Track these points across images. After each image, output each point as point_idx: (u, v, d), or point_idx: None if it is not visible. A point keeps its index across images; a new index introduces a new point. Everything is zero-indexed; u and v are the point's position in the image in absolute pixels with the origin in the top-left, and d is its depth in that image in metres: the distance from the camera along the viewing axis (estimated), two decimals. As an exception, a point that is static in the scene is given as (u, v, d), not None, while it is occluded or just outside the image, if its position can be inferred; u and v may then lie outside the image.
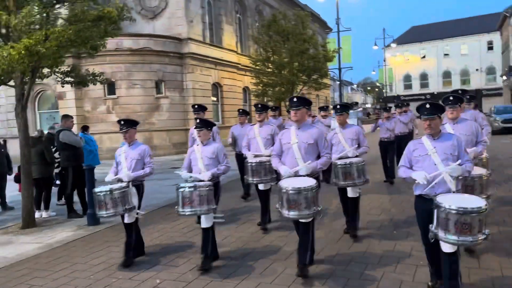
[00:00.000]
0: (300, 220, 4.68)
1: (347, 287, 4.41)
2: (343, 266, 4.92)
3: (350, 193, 5.99)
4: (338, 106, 6.26)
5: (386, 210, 7.57)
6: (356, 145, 6.09)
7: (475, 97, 7.23)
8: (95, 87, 17.42)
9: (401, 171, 4.17)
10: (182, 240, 6.49)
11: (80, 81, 9.17)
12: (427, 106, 3.96)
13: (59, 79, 8.95)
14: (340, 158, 5.86)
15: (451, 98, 5.21)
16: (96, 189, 5.37)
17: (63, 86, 10.10)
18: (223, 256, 5.49)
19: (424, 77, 66.72)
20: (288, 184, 4.50)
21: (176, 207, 4.99)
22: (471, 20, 64.92)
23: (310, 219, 4.67)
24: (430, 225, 3.74)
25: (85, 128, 11.50)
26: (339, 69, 28.31)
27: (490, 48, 61.47)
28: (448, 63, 64.37)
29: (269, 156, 6.18)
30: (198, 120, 5.44)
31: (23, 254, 6.21)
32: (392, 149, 10.50)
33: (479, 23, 62.17)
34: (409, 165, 4.14)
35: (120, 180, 5.50)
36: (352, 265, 4.96)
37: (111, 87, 21.16)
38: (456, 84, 63.39)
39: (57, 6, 7.36)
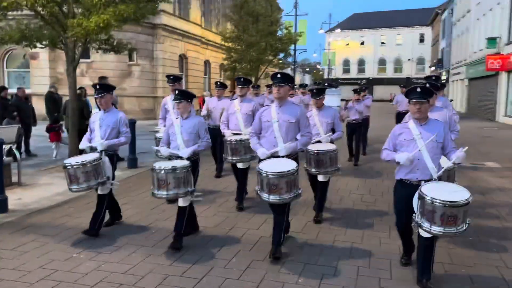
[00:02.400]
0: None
1: (323, 285, 4.02)
2: (314, 258, 4.60)
3: (321, 177, 5.90)
4: (314, 90, 6.15)
5: (353, 194, 7.43)
6: (331, 129, 6.08)
7: (444, 85, 7.23)
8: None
9: (384, 154, 4.12)
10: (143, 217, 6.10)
11: (112, 49, 10.57)
12: (418, 90, 3.90)
13: (95, 46, 10.32)
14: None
15: (427, 85, 4.84)
16: (66, 162, 5.06)
17: (97, 52, 11.39)
18: (188, 241, 5.02)
19: (361, 62, 71.10)
20: (268, 167, 4.34)
21: (151, 187, 4.68)
22: (407, 13, 69.94)
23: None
24: (414, 215, 3.74)
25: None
26: (294, 50, 30.64)
27: (422, 40, 66.87)
28: (384, 51, 69.08)
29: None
30: (177, 91, 5.05)
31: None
32: (359, 131, 10.72)
33: (414, 16, 67.22)
34: (392, 148, 4.10)
35: (93, 149, 5.25)
36: (323, 257, 4.63)
37: (85, 51, 21.82)
38: (390, 72, 68.69)
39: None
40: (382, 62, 69.86)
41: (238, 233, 5.39)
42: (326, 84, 21.83)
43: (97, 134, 5.25)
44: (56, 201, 6.84)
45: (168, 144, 5.11)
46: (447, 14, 45.79)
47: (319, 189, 5.97)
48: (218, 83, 8.06)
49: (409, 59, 67.59)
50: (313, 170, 5.67)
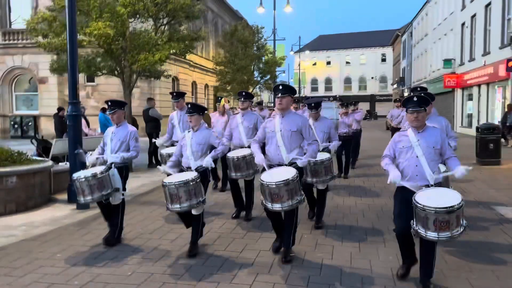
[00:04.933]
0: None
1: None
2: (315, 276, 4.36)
3: (320, 186, 6.09)
4: (313, 104, 6.52)
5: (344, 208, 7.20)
6: (327, 139, 6.47)
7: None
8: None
9: (384, 162, 4.16)
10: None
11: (152, 76, 12.97)
12: (415, 99, 3.95)
13: (146, 74, 12.72)
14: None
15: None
16: (74, 175, 5.27)
17: (101, 76, 13.61)
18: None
19: (328, 81, 75.09)
20: (269, 178, 4.48)
21: (165, 202, 4.83)
22: (370, 35, 74.87)
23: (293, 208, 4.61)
24: (412, 221, 3.78)
25: (104, 110, 13.85)
26: (274, 72, 33.58)
27: (383, 60, 71.61)
28: (349, 70, 73.37)
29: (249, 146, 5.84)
30: (189, 105, 5.25)
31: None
32: (349, 144, 10.78)
33: (376, 38, 72.08)
34: (393, 155, 4.15)
35: (104, 162, 5.47)
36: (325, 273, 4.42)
37: (90, 76, 23.97)
38: (355, 89, 72.94)
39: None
40: (347, 81, 73.93)
41: (238, 247, 5.26)
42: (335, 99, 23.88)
43: (108, 148, 5.49)
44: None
45: (181, 156, 5.30)
46: (406, 36, 50.28)
47: (318, 197, 6.18)
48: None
49: (372, 78, 71.91)
50: (309, 179, 5.87)
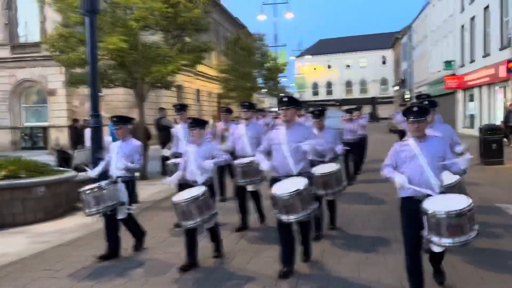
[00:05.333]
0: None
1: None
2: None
3: (329, 197, 6.09)
4: (316, 112, 6.32)
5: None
6: (331, 148, 6.26)
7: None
8: (84, 86, 21.24)
9: (386, 171, 4.11)
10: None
11: (164, 86, 13.38)
12: (415, 109, 3.93)
13: (157, 85, 13.15)
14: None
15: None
16: (81, 189, 5.38)
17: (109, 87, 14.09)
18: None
19: (329, 85, 75.45)
20: (280, 190, 4.47)
21: (178, 219, 4.89)
22: (369, 38, 75.28)
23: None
24: (422, 231, 3.71)
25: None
26: (277, 77, 34.07)
27: (384, 62, 71.99)
28: (350, 74, 73.71)
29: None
30: (191, 120, 5.26)
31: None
32: (354, 151, 10.43)
33: (375, 41, 72.48)
34: (395, 164, 4.10)
35: (109, 176, 5.56)
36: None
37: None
38: (356, 92, 73.37)
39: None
40: (348, 84, 74.23)
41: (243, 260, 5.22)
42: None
43: (114, 162, 5.58)
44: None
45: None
46: (406, 39, 50.74)
47: (329, 206, 6.29)
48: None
49: (373, 80, 72.35)
50: (321, 192, 5.75)
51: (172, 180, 5.39)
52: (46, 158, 10.36)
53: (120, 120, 5.64)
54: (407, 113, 3.98)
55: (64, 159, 10.80)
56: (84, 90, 24.32)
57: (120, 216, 5.45)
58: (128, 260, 5.38)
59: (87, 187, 5.37)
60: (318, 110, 6.35)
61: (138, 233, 5.74)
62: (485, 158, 12.64)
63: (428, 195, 3.83)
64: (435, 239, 3.61)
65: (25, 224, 7.21)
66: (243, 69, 24.85)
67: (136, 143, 5.71)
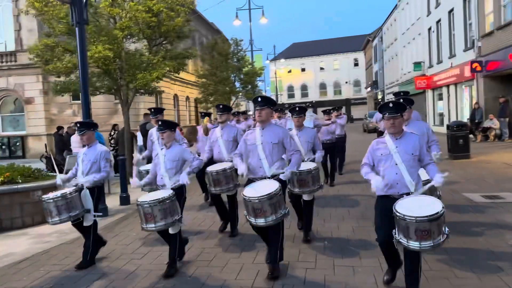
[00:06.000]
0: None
1: None
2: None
3: (305, 197, 5.89)
4: (297, 108, 6.24)
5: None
6: (311, 149, 6.22)
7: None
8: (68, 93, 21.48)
9: (363, 171, 4.12)
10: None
11: (147, 92, 13.76)
12: (390, 105, 3.91)
13: (141, 91, 13.53)
14: None
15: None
16: (44, 196, 5.29)
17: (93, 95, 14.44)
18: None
19: (304, 87, 76.55)
20: (251, 193, 4.41)
21: (140, 221, 4.76)
22: (341, 40, 76.90)
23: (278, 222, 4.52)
24: (393, 231, 3.71)
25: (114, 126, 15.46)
26: (255, 81, 34.68)
27: (356, 64, 73.52)
28: (324, 76, 75.03)
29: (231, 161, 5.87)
30: (160, 122, 5.18)
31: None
32: (333, 151, 10.47)
33: (347, 43, 74.08)
34: (372, 163, 4.09)
35: (76, 184, 5.48)
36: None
37: (76, 95, 24.52)
38: (330, 94, 74.72)
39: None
40: (322, 86, 75.50)
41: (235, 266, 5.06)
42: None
43: (80, 169, 5.52)
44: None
45: (155, 174, 5.22)
46: (377, 41, 52.20)
47: (305, 208, 5.94)
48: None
49: (346, 82, 73.75)
50: (297, 190, 5.68)
51: (136, 182, 5.29)
52: (36, 165, 10.60)
53: (84, 126, 5.62)
54: (383, 109, 4.00)
55: (53, 165, 11.07)
56: (62, 98, 24.41)
57: (86, 223, 5.41)
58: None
59: (50, 195, 5.25)
60: (299, 107, 6.29)
61: (92, 247, 5.48)
62: (453, 153, 13.50)
63: (403, 194, 3.86)
64: (403, 240, 3.64)
65: (23, 227, 7.55)
66: (221, 73, 25.36)
67: (101, 148, 5.61)
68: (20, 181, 7.80)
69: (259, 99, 4.79)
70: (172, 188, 4.94)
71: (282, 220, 4.62)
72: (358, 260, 5.02)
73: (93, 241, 5.44)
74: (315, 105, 68.79)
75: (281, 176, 4.68)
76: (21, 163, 8.97)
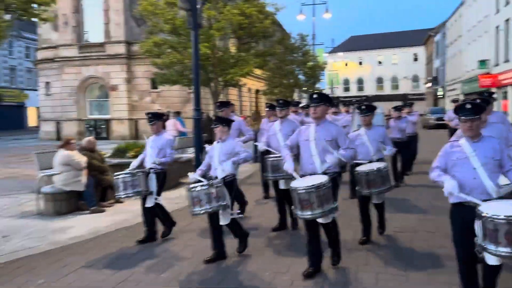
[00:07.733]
0: (319, 221, 4.51)
1: None
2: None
3: (375, 199, 5.77)
4: (363, 107, 5.96)
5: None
6: (381, 147, 5.93)
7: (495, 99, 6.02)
8: (143, 83, 23.80)
9: (435, 174, 3.77)
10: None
11: (232, 85, 15.47)
12: (468, 106, 3.58)
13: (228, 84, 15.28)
14: (359, 164, 5.64)
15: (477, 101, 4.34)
16: (115, 174, 5.93)
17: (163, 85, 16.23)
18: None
19: (360, 81, 76.21)
20: (298, 183, 4.39)
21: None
22: (401, 34, 75.60)
23: (329, 220, 4.53)
24: (475, 239, 3.33)
25: (178, 113, 15.54)
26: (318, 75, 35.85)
27: (416, 59, 72.23)
28: (381, 70, 74.12)
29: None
30: (215, 118, 5.45)
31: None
32: (404, 150, 9.79)
33: (407, 38, 72.75)
34: (444, 166, 3.75)
35: (142, 168, 5.89)
36: None
37: (154, 84, 26.86)
38: (387, 89, 74.01)
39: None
40: (379, 81, 74.73)
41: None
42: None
43: (148, 155, 5.94)
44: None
45: (209, 166, 5.33)
46: (440, 36, 51.50)
47: (377, 209, 5.93)
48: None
49: (404, 77, 72.62)
50: (365, 191, 5.50)
51: (194, 175, 5.27)
52: (109, 146, 11.72)
53: (154, 117, 6.00)
54: (459, 110, 3.65)
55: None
56: (143, 86, 26.84)
57: (148, 204, 5.85)
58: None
59: (120, 173, 5.85)
60: (366, 106, 5.97)
61: (167, 222, 6.09)
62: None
63: (484, 200, 3.45)
64: (490, 247, 3.21)
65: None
66: (286, 67, 26.81)
67: (168, 137, 6.07)
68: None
69: (315, 95, 4.77)
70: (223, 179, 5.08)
71: (335, 221, 4.67)
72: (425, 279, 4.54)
73: (166, 218, 6.11)
74: (370, 99, 68.65)
75: (327, 158, 4.59)
76: (106, 143, 10.26)
